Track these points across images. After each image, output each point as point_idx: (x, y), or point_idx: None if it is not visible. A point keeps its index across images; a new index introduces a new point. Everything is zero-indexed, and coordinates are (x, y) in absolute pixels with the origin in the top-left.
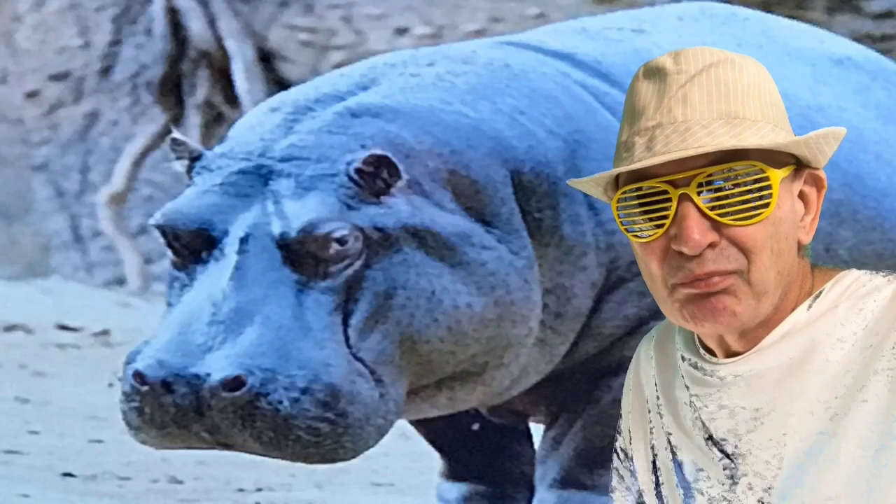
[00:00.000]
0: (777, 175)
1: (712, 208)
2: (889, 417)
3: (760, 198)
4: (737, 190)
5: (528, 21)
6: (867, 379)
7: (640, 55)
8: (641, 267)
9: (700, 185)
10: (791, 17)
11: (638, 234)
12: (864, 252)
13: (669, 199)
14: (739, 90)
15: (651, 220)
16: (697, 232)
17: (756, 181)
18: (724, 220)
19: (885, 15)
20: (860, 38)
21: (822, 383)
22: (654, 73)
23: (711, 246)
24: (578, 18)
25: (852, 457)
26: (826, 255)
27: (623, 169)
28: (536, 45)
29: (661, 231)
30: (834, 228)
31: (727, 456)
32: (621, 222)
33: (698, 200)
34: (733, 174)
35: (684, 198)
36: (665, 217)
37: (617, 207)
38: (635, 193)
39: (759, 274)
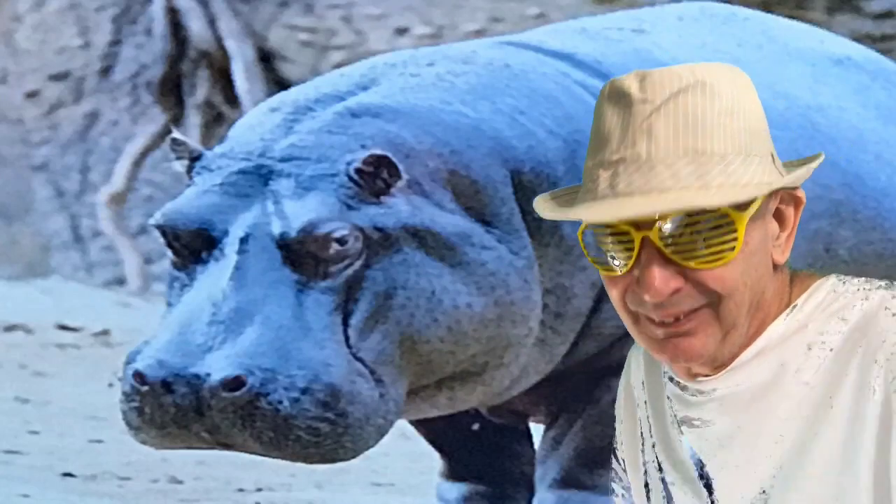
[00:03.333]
0: (743, 218)
1: (675, 252)
2: (850, 439)
3: (725, 241)
4: (700, 234)
5: (528, 21)
6: (833, 399)
7: (640, 55)
8: (607, 290)
9: (663, 228)
10: (791, 17)
11: (604, 266)
12: (864, 252)
13: (632, 241)
14: (708, 120)
15: (616, 255)
16: (660, 281)
17: (720, 224)
18: (688, 264)
19: (885, 15)
20: (860, 38)
21: (792, 405)
22: (620, 97)
23: (676, 291)
24: (578, 18)
25: (818, 481)
26: (826, 255)
27: (581, 216)
28: (536, 45)
29: (625, 269)
30: (834, 228)
31: (701, 474)
32: (587, 253)
33: (660, 244)
34: (696, 219)
35: (646, 241)
36: (628, 258)
37: (583, 238)
38: (599, 229)
39: (730, 311)
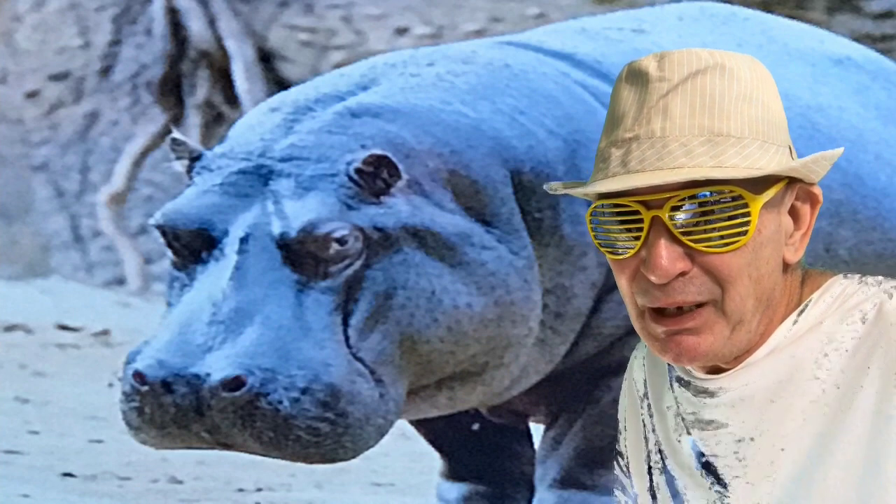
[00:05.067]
0: (758, 201)
1: (685, 233)
2: (872, 441)
3: (738, 225)
4: (713, 216)
5: (528, 21)
6: (852, 399)
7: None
8: (615, 278)
9: (674, 208)
10: (791, 17)
11: (610, 250)
12: (864, 252)
13: (642, 220)
14: (726, 102)
15: (623, 238)
16: (667, 260)
17: (734, 207)
18: (698, 246)
19: (885, 15)
20: (860, 38)
21: (809, 405)
22: (637, 77)
23: (682, 274)
24: (578, 18)
25: (840, 480)
26: (826, 255)
27: (592, 189)
28: (536, 45)
29: (632, 251)
30: (834, 228)
31: (715, 476)
32: (595, 236)
33: (670, 225)
34: (710, 199)
35: (656, 221)
36: (637, 238)
37: (591, 220)
38: (609, 209)
39: (735, 304)
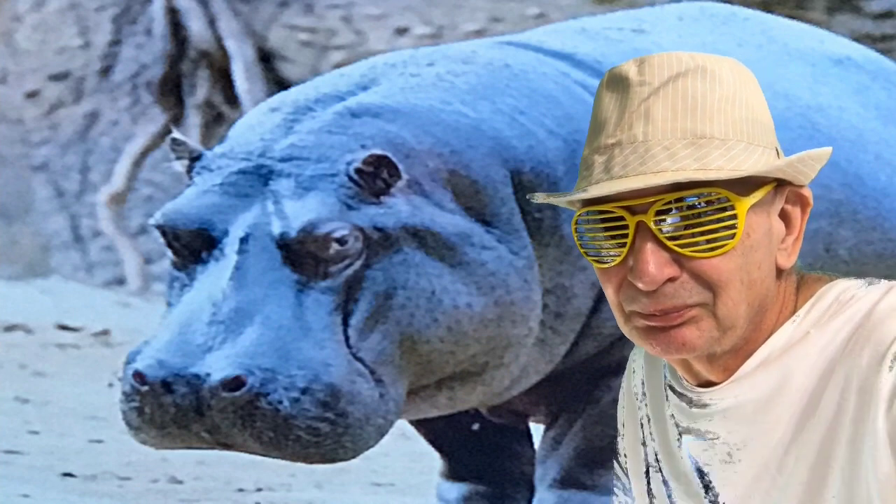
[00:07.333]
0: (744, 203)
1: (671, 238)
2: (855, 443)
3: (725, 228)
4: (699, 220)
5: (528, 21)
6: (842, 409)
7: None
8: (602, 288)
9: (659, 212)
10: (791, 17)
11: (597, 258)
12: (864, 252)
13: (627, 227)
14: (708, 104)
15: (609, 246)
16: (654, 266)
17: (720, 210)
18: (685, 251)
19: (885, 15)
20: (860, 38)
21: (799, 415)
22: (618, 82)
23: (671, 280)
24: (578, 18)
25: (832, 491)
26: (826, 255)
27: (576, 196)
28: (536, 45)
29: (618, 259)
30: (834, 228)
31: (707, 486)
32: (581, 245)
33: (656, 230)
34: (695, 202)
35: (641, 226)
36: (622, 245)
37: (576, 228)
38: (594, 217)
39: (727, 309)
